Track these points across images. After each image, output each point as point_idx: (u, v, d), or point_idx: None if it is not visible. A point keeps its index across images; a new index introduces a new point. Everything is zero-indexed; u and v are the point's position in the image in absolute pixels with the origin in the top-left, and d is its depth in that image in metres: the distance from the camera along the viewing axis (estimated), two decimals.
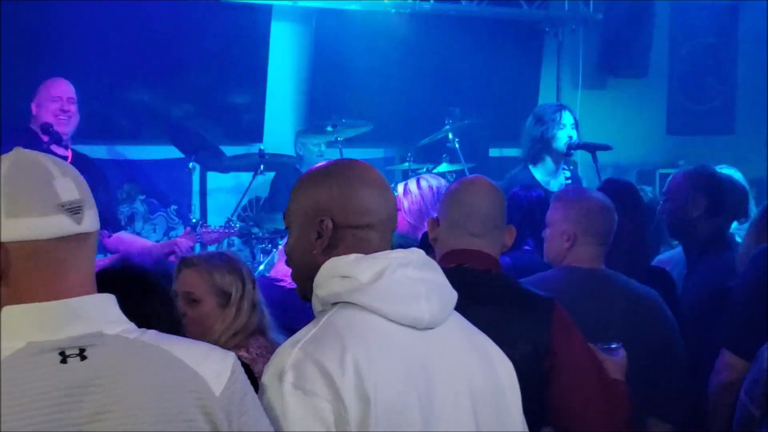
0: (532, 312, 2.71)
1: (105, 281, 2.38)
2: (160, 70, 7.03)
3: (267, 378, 1.90)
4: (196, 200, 7.06)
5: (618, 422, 2.74)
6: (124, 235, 5.62)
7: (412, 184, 4.65)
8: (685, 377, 3.44)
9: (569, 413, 2.71)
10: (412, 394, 1.92)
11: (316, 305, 2.04)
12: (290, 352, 1.90)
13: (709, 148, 8.83)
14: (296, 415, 1.84)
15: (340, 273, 1.98)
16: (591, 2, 8.50)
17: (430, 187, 4.60)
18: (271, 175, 7.13)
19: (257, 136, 7.37)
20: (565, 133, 5.56)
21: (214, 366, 1.74)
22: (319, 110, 7.36)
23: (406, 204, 4.58)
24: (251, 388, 1.82)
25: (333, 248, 2.03)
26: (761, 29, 8.97)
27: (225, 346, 2.87)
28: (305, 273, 2.07)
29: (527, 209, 4.44)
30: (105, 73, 6.80)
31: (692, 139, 9.12)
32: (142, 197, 6.93)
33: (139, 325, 1.98)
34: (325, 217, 2.03)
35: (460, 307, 2.61)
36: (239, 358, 2.07)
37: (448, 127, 6.77)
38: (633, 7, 8.42)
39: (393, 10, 7.72)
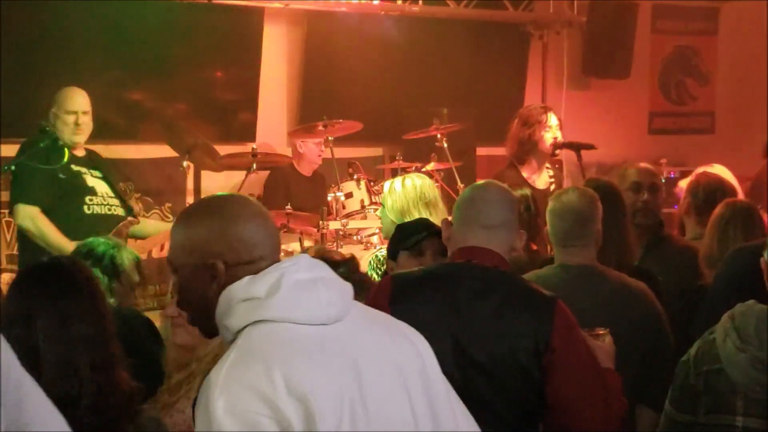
0: (534, 309, 2.75)
1: (33, 275, 2.47)
2: (154, 70, 7.09)
3: (199, 415, 1.89)
4: (190, 198, 7.15)
5: (614, 420, 2.81)
6: None
7: (397, 183, 4.71)
8: (674, 367, 3.40)
9: (566, 411, 2.75)
10: (347, 384, 1.94)
11: (227, 336, 2.02)
12: (216, 383, 1.88)
13: (689, 147, 8.99)
14: None
15: (240, 297, 1.98)
16: (575, 5, 8.63)
17: (414, 187, 4.65)
18: (264, 173, 7.25)
19: (250, 135, 7.45)
20: (550, 135, 5.72)
21: None
22: (310, 110, 7.43)
23: (389, 202, 4.65)
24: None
25: (228, 286, 2.02)
26: (741, 30, 9.15)
27: None
28: (205, 314, 2.06)
29: None
30: (100, 74, 6.84)
31: (673, 139, 9.25)
32: (137, 196, 7.01)
33: (62, 320, 2.21)
34: (215, 260, 2.02)
35: (465, 302, 2.74)
36: None
37: (434, 126, 6.90)
38: (616, 10, 8.55)
39: (382, 12, 7.84)
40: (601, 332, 3.05)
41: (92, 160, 5.65)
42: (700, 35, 9.42)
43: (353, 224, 6.07)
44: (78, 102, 5.56)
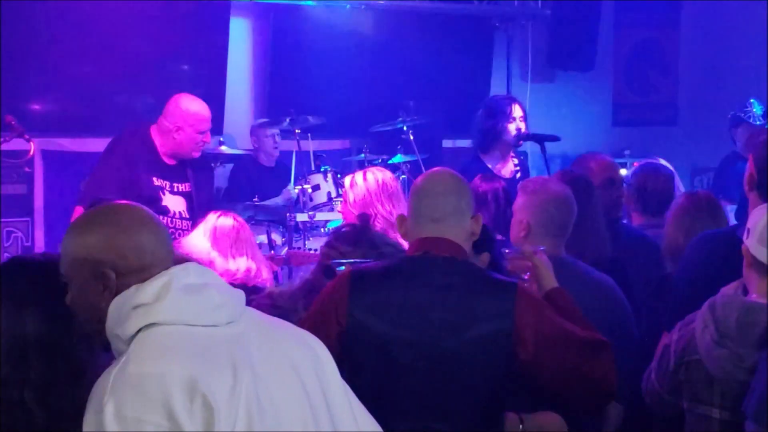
0: (494, 296, 2.71)
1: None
2: (121, 63, 7.05)
3: (87, 420, 1.86)
4: None
5: (610, 380, 2.74)
6: None
7: (358, 177, 4.64)
8: (637, 360, 3.51)
9: (566, 391, 2.73)
10: (243, 380, 1.92)
11: (119, 346, 2.00)
12: (105, 387, 1.86)
13: (652, 139, 9.04)
14: None
15: (129, 305, 1.97)
16: None
17: (376, 180, 4.57)
18: (230, 166, 7.27)
19: (217, 129, 7.37)
20: (514, 126, 5.76)
21: None
22: (277, 103, 7.46)
23: (351, 197, 4.59)
24: None
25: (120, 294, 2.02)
26: (703, 23, 9.24)
27: None
28: (99, 324, 2.03)
29: (482, 198, 4.60)
30: (67, 68, 6.86)
31: (637, 130, 9.28)
32: None
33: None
34: (105, 269, 2.02)
35: (426, 294, 2.71)
36: None
37: (400, 119, 6.95)
38: (579, 3, 8.55)
39: (348, 6, 7.87)
40: (541, 249, 3.11)
41: (184, 170, 5.34)
42: (663, 28, 9.49)
43: (320, 216, 6.10)
44: (208, 123, 5.30)
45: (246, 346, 2.00)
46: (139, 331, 1.96)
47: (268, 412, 1.95)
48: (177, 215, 5.26)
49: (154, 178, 5.23)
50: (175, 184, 5.28)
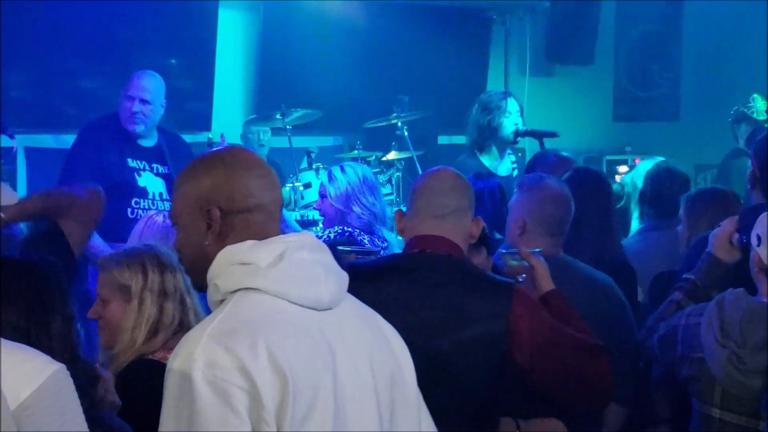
0: (490, 296, 2.71)
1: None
2: (107, 57, 6.97)
3: (175, 368, 1.89)
4: None
5: (606, 383, 2.77)
6: None
7: (337, 171, 4.71)
8: (638, 361, 3.52)
9: (562, 393, 2.76)
10: (324, 373, 1.95)
11: (214, 295, 2.03)
12: (199, 340, 1.89)
13: (654, 135, 8.97)
14: (209, 407, 1.83)
15: (239, 260, 1.99)
16: None
17: (356, 173, 4.66)
18: None
19: (205, 124, 7.36)
20: (511, 121, 5.67)
21: (20, 376, 1.94)
22: (267, 98, 7.37)
23: (332, 190, 4.65)
24: (68, 405, 1.99)
25: (224, 236, 2.05)
26: (705, 17, 9.13)
27: (146, 346, 2.85)
28: (200, 265, 2.08)
29: (477, 196, 4.50)
30: (51, 62, 6.79)
31: (638, 126, 9.24)
32: None
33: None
34: (211, 206, 2.05)
35: (420, 292, 2.70)
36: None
37: (395, 114, 6.83)
38: None
39: None
40: (537, 251, 3.12)
41: (161, 152, 5.31)
42: (665, 21, 9.39)
43: (312, 215, 5.99)
44: (139, 87, 5.25)
45: (334, 337, 2.01)
46: (239, 289, 1.98)
47: (340, 408, 1.97)
48: (157, 197, 5.24)
49: (129, 159, 5.21)
50: (155, 165, 5.27)
